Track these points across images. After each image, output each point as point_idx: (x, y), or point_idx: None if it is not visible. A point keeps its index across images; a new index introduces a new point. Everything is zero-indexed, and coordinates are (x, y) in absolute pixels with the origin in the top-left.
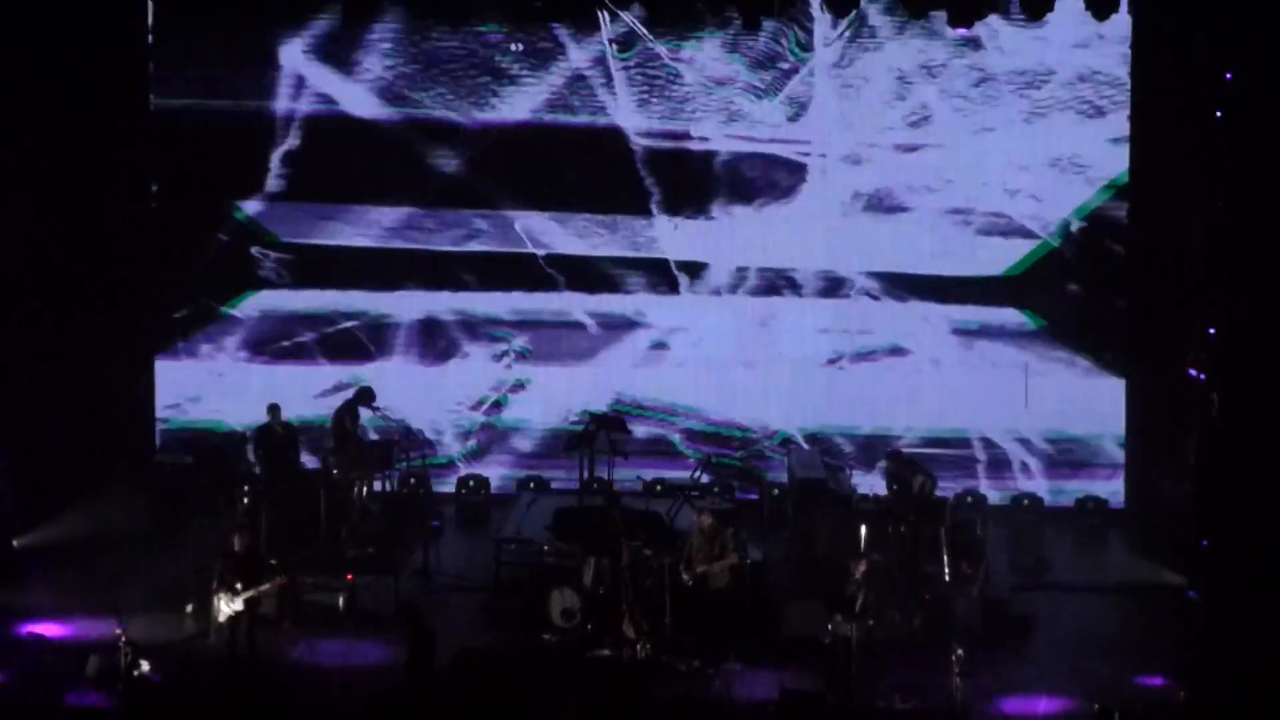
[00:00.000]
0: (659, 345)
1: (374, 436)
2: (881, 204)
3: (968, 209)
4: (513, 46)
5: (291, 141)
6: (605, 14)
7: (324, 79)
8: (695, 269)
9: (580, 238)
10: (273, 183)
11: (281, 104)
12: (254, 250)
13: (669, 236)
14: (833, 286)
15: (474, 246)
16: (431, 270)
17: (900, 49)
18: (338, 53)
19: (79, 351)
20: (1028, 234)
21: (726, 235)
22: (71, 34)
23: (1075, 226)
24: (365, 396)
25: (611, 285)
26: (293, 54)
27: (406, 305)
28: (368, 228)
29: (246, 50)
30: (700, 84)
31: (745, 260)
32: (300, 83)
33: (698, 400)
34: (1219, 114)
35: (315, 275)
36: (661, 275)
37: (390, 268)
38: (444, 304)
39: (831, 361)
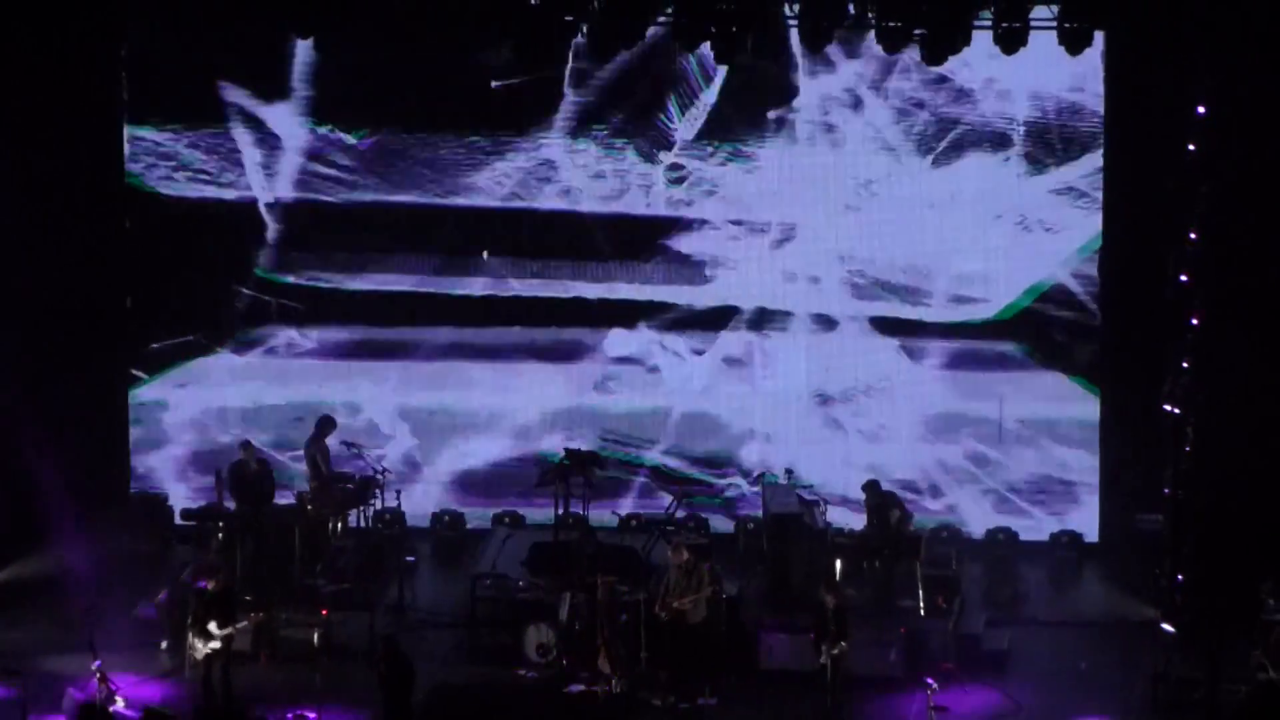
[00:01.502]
0: (636, 381)
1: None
2: (860, 258)
3: (944, 261)
4: (494, 84)
5: (279, 220)
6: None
7: (302, 156)
8: (674, 309)
9: (558, 284)
10: (267, 251)
11: (267, 185)
12: (252, 293)
13: (651, 287)
14: (816, 324)
15: (466, 290)
16: (431, 309)
17: (875, 99)
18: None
19: (55, 388)
20: (1007, 291)
21: (705, 278)
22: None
23: (1056, 279)
24: (327, 426)
25: (592, 324)
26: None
27: (411, 338)
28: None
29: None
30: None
31: (725, 300)
32: (284, 162)
33: (674, 436)
34: (1191, 147)
35: (316, 316)
36: (644, 314)
37: (389, 309)
38: (444, 337)
39: (811, 396)
